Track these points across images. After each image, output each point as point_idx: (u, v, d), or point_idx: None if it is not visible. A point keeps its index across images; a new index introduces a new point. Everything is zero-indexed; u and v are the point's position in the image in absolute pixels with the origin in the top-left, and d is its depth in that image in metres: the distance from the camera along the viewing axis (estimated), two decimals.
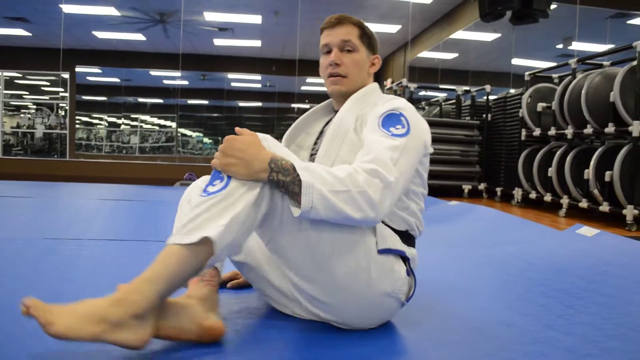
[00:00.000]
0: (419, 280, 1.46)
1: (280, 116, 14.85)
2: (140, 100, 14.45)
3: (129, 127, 14.57)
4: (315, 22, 8.94)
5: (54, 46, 10.15)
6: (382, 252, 1.28)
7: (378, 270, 1.27)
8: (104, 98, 14.45)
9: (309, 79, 12.65)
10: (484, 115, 6.98)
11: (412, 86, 7.15)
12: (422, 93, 10.51)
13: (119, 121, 14.63)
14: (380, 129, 1.28)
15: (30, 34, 10.52)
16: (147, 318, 1.06)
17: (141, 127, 14.63)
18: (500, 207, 5.43)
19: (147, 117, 14.76)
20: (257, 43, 10.78)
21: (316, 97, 14.56)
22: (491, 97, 7.06)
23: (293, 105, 14.38)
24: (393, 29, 9.92)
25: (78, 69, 11.75)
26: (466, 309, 1.68)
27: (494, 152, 6.89)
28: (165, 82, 13.37)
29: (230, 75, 13.12)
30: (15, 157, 10.88)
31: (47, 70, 11.86)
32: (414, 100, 7.66)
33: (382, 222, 1.34)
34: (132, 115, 14.58)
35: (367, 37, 1.50)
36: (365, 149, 1.25)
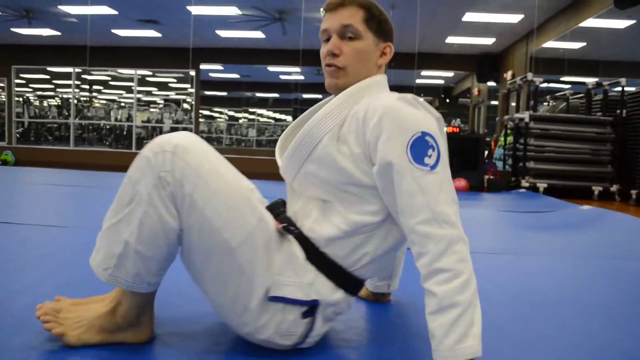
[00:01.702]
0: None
1: None
2: (259, 95, 15.01)
3: (246, 120, 15.19)
4: (435, 14, 8.83)
5: (182, 45, 10.80)
6: (273, 299, 1.13)
7: (254, 308, 1.13)
8: (224, 93, 15.18)
9: (425, 72, 12.42)
10: (618, 111, 6.45)
11: (538, 80, 6.77)
12: (545, 85, 9.94)
13: (238, 115, 15.30)
14: (414, 166, 1.07)
15: (160, 35, 11.26)
16: (142, 320, 1.19)
17: (258, 120, 15.19)
18: (635, 211, 5.01)
19: (264, 111, 15.30)
20: None
21: (432, 90, 14.30)
22: (627, 90, 6.50)
23: None
24: (515, 18, 9.45)
25: (202, 66, 12.40)
26: (606, 331, 1.55)
27: (629, 151, 6.35)
28: (282, 77, 13.77)
29: None
30: None
31: (175, 68, 12.67)
32: (539, 94, 7.25)
33: (315, 251, 1.17)
34: (250, 110, 15.18)
35: (375, 21, 1.22)
36: (410, 201, 1.07)
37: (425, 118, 1.12)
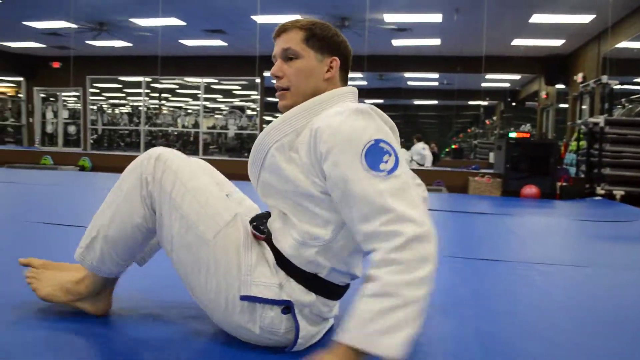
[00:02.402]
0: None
1: (459, 114, 14.52)
2: None
3: None
4: (501, 17, 8.62)
5: (247, 54, 11.03)
6: (243, 298, 1.19)
7: (232, 305, 1.20)
8: None
9: (490, 76, 12.15)
10: None
11: (613, 82, 6.49)
12: (618, 87, 9.52)
13: None
14: (371, 174, 1.07)
15: (226, 44, 11.55)
16: (103, 294, 1.40)
17: None
18: None
19: None
20: (436, 41, 10.64)
21: (497, 94, 13.97)
22: None
23: (471, 102, 13.95)
24: (586, 18, 9.10)
25: (266, 74, 12.62)
26: None
27: None
28: None
29: (407, 75, 13.12)
30: (213, 157, 12.06)
31: (241, 76, 12.97)
32: (614, 96, 6.94)
33: (282, 258, 1.22)
34: None
35: (317, 39, 1.28)
36: (370, 207, 1.05)
37: (378, 127, 1.13)
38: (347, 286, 1.31)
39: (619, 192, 5.99)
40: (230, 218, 1.23)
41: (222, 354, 1.24)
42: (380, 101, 14.51)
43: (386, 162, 1.08)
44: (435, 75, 13.25)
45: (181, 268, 1.25)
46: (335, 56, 1.31)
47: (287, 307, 1.21)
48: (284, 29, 1.29)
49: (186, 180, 1.24)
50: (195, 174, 1.27)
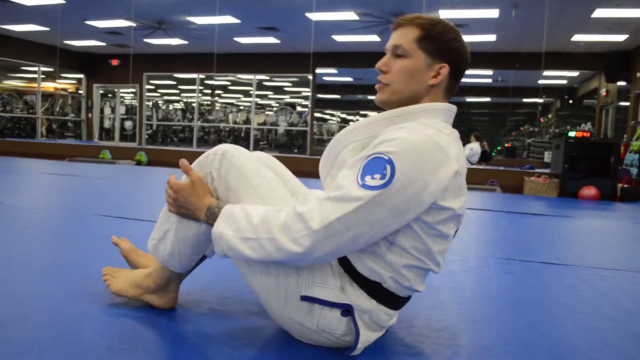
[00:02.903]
0: None
1: (513, 111, 14.18)
2: (371, 97, 15.09)
3: None
4: (562, 11, 8.37)
5: (299, 51, 11.10)
6: (304, 299, 1.20)
7: (291, 303, 1.21)
8: (337, 96, 15.39)
9: (546, 72, 11.80)
10: None
11: None
12: None
13: (350, 117, 15.45)
14: (356, 173, 1.11)
15: (279, 41, 11.65)
16: (169, 288, 1.43)
17: None
18: None
19: (374, 113, 15.36)
20: (492, 37, 10.41)
21: (554, 91, 13.56)
22: None
23: (525, 100, 13.59)
24: None
25: (318, 71, 12.66)
26: None
27: None
28: None
29: None
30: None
31: (292, 73, 13.06)
32: None
33: (347, 263, 1.21)
34: (362, 112, 15.27)
35: (431, 40, 1.23)
36: (333, 185, 1.14)
37: (435, 168, 1.11)
38: (408, 297, 1.30)
39: None
40: None
41: (283, 351, 1.25)
42: None
43: (374, 179, 1.08)
44: (489, 72, 12.97)
45: (242, 264, 1.25)
46: (446, 63, 1.25)
47: (347, 310, 1.20)
48: (401, 23, 1.27)
49: (250, 177, 1.25)
50: (260, 171, 1.27)
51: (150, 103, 14.69)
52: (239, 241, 1.14)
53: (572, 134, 6.59)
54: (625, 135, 9.95)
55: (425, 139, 1.12)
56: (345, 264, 1.22)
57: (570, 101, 13.79)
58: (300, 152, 12.50)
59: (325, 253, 1.10)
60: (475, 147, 9.62)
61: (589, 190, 6.04)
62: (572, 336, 1.52)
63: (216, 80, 14.50)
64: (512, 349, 1.38)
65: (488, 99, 14.93)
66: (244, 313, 1.49)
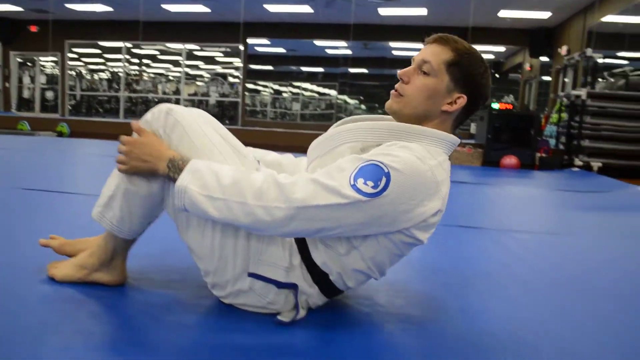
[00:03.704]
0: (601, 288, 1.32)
1: None
2: (304, 69, 14.98)
3: (291, 94, 15.21)
4: None
5: (230, 20, 10.84)
6: (250, 275, 1.21)
7: (236, 275, 1.23)
8: (270, 67, 15.20)
9: (475, 46, 12.08)
10: None
11: (598, 56, 6.50)
12: (601, 60, 9.55)
13: (283, 89, 15.33)
14: (352, 171, 1.10)
15: (209, 10, 11.32)
16: (115, 263, 1.37)
17: (302, 94, 15.19)
18: None
19: (308, 85, 15.28)
20: (422, 11, 10.53)
21: None
22: None
23: None
24: None
25: (249, 41, 12.44)
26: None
27: None
28: (329, 51, 13.68)
29: (392, 44, 13.01)
30: None
31: (223, 43, 12.75)
32: (597, 70, 6.96)
33: (304, 245, 1.22)
34: (295, 84, 15.18)
35: (459, 68, 1.21)
36: (326, 169, 1.13)
37: (428, 195, 1.13)
38: (347, 289, 1.29)
39: (596, 164, 6.07)
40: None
41: (222, 319, 1.24)
42: (365, 71, 14.40)
43: (366, 185, 1.08)
44: (421, 46, 13.13)
45: (186, 221, 1.23)
46: (466, 94, 1.23)
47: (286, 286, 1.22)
48: (437, 40, 1.25)
49: (195, 137, 1.22)
50: (205, 133, 1.23)
51: (74, 72, 14.00)
52: (204, 199, 1.10)
53: (495, 105, 6.82)
54: (546, 108, 10.40)
55: (426, 169, 1.12)
56: (301, 245, 1.21)
57: (497, 75, 14.23)
58: (232, 123, 12.32)
59: (289, 231, 1.11)
60: None
61: (510, 160, 6.29)
62: (483, 293, 1.58)
63: (143, 49, 13.97)
64: (421, 313, 1.42)
65: None
66: (191, 287, 1.45)
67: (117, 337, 1.14)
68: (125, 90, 13.42)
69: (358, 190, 1.07)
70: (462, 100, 1.23)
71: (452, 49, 1.22)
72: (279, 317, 1.22)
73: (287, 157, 1.51)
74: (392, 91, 1.27)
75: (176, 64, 13.79)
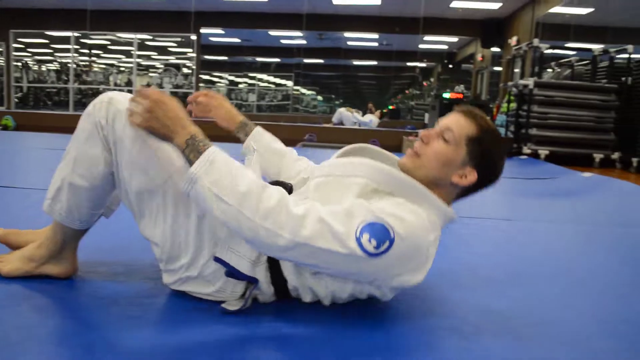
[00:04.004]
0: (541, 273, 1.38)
1: (397, 75, 14.63)
2: (259, 59, 14.86)
3: (247, 85, 15.08)
4: None
5: (183, 9, 10.63)
6: (216, 260, 1.20)
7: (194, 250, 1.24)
8: (225, 58, 15.02)
9: (428, 37, 12.26)
10: (624, 79, 6.39)
11: (544, 47, 6.69)
12: (549, 51, 9.83)
13: (239, 80, 15.19)
14: (361, 221, 1.10)
15: None
16: (65, 254, 1.36)
17: (258, 85, 15.09)
18: (635, 179, 5.02)
19: (263, 76, 15.18)
20: (376, 1, 10.59)
21: (436, 56, 14.14)
22: (634, 57, 6.43)
23: (410, 64, 14.06)
24: None
25: (203, 31, 12.24)
26: (599, 298, 1.57)
27: (632, 119, 6.32)
28: (283, 42, 13.60)
29: (347, 34, 13.04)
30: None
31: (176, 32, 12.50)
32: (544, 60, 7.16)
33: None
34: (250, 74, 15.06)
35: (479, 145, 1.24)
36: (340, 210, 1.12)
37: (412, 242, 1.14)
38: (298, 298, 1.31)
39: (543, 152, 6.26)
40: (182, 165, 1.20)
41: (180, 312, 1.25)
42: (320, 61, 14.39)
43: (370, 242, 1.09)
44: (375, 36, 13.24)
45: (134, 210, 1.25)
46: (478, 171, 1.25)
47: (241, 279, 1.23)
48: (465, 112, 1.27)
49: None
50: None
51: (20, 63, 13.48)
52: (212, 196, 1.07)
53: (446, 95, 6.94)
54: (498, 98, 10.65)
55: (426, 245, 1.16)
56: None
57: (450, 65, 14.47)
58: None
59: (281, 256, 1.14)
60: (374, 118, 10.17)
61: None
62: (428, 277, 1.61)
63: (92, 39, 13.57)
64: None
65: (375, 63, 15.26)
66: (143, 279, 1.44)
67: (62, 331, 1.12)
68: (75, 81, 13.03)
69: (360, 245, 1.08)
70: (473, 176, 1.26)
71: (477, 124, 1.25)
72: (225, 306, 1.23)
73: (291, 152, 1.55)
74: (410, 150, 1.29)
75: (128, 54, 13.46)
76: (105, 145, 1.23)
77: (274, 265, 1.23)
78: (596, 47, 6.97)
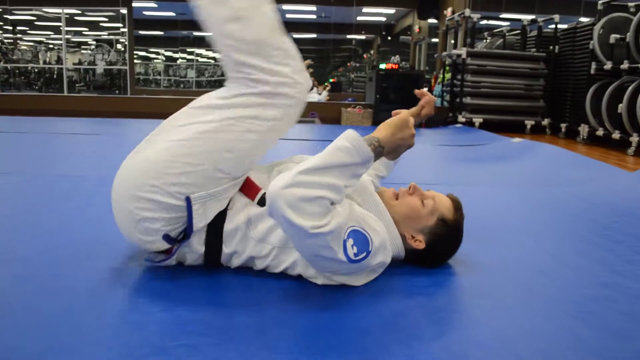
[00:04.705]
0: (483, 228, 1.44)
1: (336, 47, 14.61)
2: (196, 34, 14.49)
3: (185, 61, 14.71)
4: None
5: None
6: (187, 200, 1.23)
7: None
8: (160, 33, 14.58)
9: (366, 9, 12.26)
10: (551, 47, 6.63)
11: (475, 17, 6.83)
12: (484, 22, 10.06)
13: (176, 55, 14.79)
14: (350, 227, 1.17)
15: None
16: None
17: (197, 60, 14.74)
18: (565, 144, 5.25)
19: (202, 51, 14.83)
20: None
21: (374, 28, 14.19)
22: (560, 27, 6.66)
23: (349, 36, 14.07)
24: None
25: (135, 4, 11.81)
26: (529, 251, 1.67)
27: (560, 87, 6.58)
28: None
29: (285, 7, 12.89)
30: (79, 95, 11.23)
31: (106, 6, 11.99)
32: (476, 31, 7.32)
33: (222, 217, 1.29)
34: (188, 49, 14.68)
35: (442, 227, 1.37)
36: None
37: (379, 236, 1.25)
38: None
39: (477, 120, 6.44)
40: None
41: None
42: None
43: (352, 248, 1.16)
44: (313, 8, 13.15)
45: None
46: (426, 246, 1.36)
47: (185, 232, 1.27)
48: (456, 201, 1.42)
49: None
50: None
51: None
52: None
53: (382, 66, 6.99)
54: (435, 69, 10.82)
55: (386, 261, 1.28)
56: (219, 218, 1.26)
57: (389, 38, 14.56)
58: (122, 93, 11.73)
59: (300, 240, 1.13)
60: (324, 92, 10.20)
61: None
62: None
63: (16, 14, 12.85)
64: None
65: (314, 35, 15.19)
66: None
67: None
68: (0, 61, 12.35)
69: (344, 248, 1.14)
70: (420, 245, 1.37)
71: (455, 215, 1.39)
72: (149, 257, 1.31)
73: None
74: (393, 189, 1.42)
75: (57, 30, 12.83)
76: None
77: (215, 224, 1.26)
78: (525, 17, 7.17)
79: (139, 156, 1.25)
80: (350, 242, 1.15)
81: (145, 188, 1.20)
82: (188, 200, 1.21)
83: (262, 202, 1.27)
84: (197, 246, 1.29)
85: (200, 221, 1.24)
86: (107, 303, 1.17)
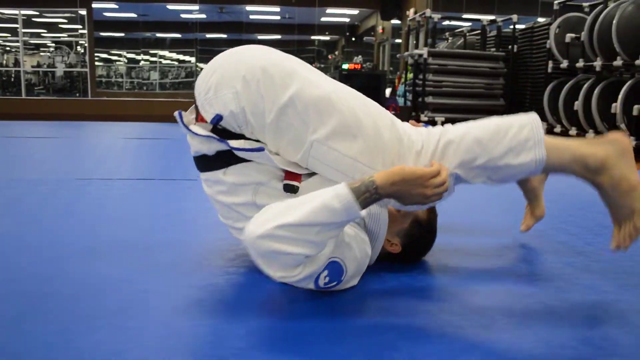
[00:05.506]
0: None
1: (301, 49, 14.62)
2: (159, 35, 14.31)
3: (148, 63, 14.51)
4: None
5: None
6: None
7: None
8: (122, 34, 14.34)
9: (329, 10, 12.32)
10: (510, 47, 6.78)
11: (436, 17, 6.94)
12: (446, 23, 10.22)
13: (138, 57, 14.57)
14: (330, 258, 1.17)
15: None
16: None
17: (160, 62, 14.56)
18: None
19: (165, 53, 14.65)
20: None
21: (338, 29, 14.26)
22: (518, 27, 6.82)
23: (313, 37, 14.10)
24: None
25: (95, 5, 11.59)
26: (484, 245, 1.70)
27: (519, 85, 6.74)
28: (183, 16, 13.17)
29: (249, 8, 12.84)
30: (38, 98, 10.97)
31: (63, 7, 11.73)
32: (437, 31, 7.43)
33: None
34: (151, 51, 14.49)
35: (416, 228, 1.42)
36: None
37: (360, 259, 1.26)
38: None
39: (440, 118, 6.54)
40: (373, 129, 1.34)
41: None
42: (223, 36, 14.09)
43: (325, 279, 1.18)
44: (277, 9, 13.14)
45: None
46: (403, 247, 1.41)
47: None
48: (433, 211, 1.46)
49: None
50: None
51: None
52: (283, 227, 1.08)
53: (345, 66, 7.05)
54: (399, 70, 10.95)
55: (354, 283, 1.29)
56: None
57: (353, 38, 14.66)
58: (82, 96, 11.50)
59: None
60: None
61: None
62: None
63: None
64: None
65: (279, 37, 15.18)
66: None
67: None
68: None
69: (316, 279, 1.16)
70: (397, 248, 1.41)
71: (429, 217, 1.43)
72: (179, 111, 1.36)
73: None
74: None
75: (14, 32, 12.50)
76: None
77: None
78: (485, 17, 7.32)
79: None
80: (324, 273, 1.16)
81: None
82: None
83: (286, 188, 1.25)
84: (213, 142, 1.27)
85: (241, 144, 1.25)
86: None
